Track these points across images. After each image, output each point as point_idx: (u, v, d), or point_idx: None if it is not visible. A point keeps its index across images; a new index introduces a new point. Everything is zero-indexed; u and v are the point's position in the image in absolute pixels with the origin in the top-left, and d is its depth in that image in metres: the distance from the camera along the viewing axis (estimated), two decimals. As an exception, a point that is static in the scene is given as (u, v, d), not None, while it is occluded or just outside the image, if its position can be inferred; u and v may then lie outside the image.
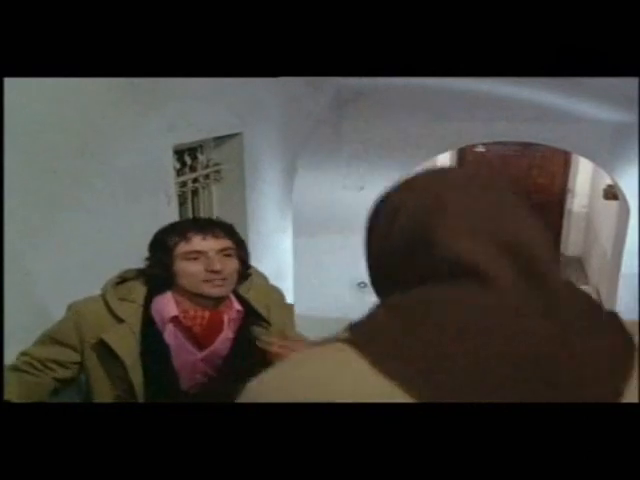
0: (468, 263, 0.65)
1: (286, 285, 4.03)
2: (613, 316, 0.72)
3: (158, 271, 1.51)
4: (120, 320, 1.49)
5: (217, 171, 3.11)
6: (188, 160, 2.81)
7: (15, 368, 1.49)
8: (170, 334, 1.52)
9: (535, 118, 3.92)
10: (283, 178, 3.96)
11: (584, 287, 7.15)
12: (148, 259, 1.56)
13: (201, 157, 2.96)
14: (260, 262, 3.45)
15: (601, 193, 6.10)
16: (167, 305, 1.52)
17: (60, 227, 1.75)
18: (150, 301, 1.54)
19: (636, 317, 2.68)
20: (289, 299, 3.95)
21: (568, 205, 9.31)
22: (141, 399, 1.49)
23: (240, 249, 1.61)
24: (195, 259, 1.49)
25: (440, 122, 4.08)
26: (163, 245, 1.50)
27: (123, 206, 2.10)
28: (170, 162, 2.43)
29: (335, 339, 0.69)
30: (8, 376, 1.47)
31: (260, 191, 3.42)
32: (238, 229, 3.22)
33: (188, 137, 2.57)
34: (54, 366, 1.51)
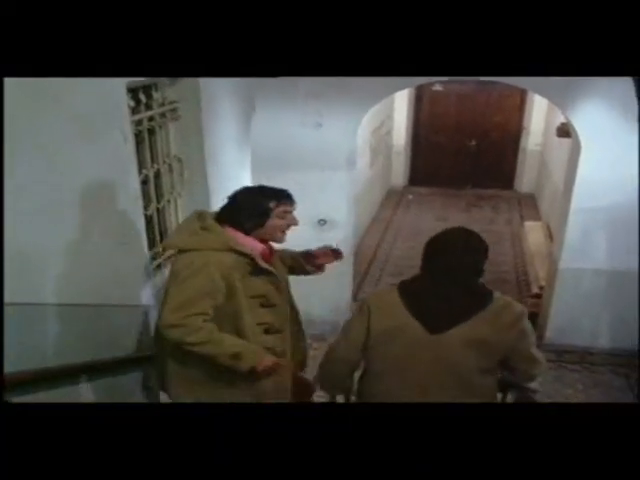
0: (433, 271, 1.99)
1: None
2: (488, 291, 1.95)
3: (255, 220, 2.11)
4: (245, 254, 2.08)
5: (173, 109, 3.05)
6: (143, 98, 2.75)
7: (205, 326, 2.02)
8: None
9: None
10: (240, 116, 3.91)
11: (536, 222, 7.36)
12: (238, 209, 2.11)
13: (156, 95, 2.90)
14: (221, 202, 3.45)
15: (554, 131, 6.22)
16: (254, 243, 2.15)
17: (16, 168, 1.72)
18: None
19: (581, 246, 2.88)
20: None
21: (523, 143, 9.46)
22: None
23: None
24: (283, 217, 2.14)
25: (398, 59, 4.05)
26: (263, 203, 2.10)
27: (79, 145, 2.06)
28: (124, 100, 2.38)
29: (394, 285, 2.03)
30: (214, 334, 2.03)
31: (217, 129, 3.39)
32: (196, 168, 3.21)
33: (142, 74, 2.51)
34: (210, 311, 2.04)
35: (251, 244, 2.12)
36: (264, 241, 2.19)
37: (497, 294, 1.94)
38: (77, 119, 2.03)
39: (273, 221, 2.12)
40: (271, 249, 2.26)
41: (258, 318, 2.17)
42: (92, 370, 2.21)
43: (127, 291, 2.43)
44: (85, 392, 2.23)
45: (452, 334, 1.87)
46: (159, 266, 3.05)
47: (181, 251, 2.09)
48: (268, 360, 2.09)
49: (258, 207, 2.09)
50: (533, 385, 2.04)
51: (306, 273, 2.46)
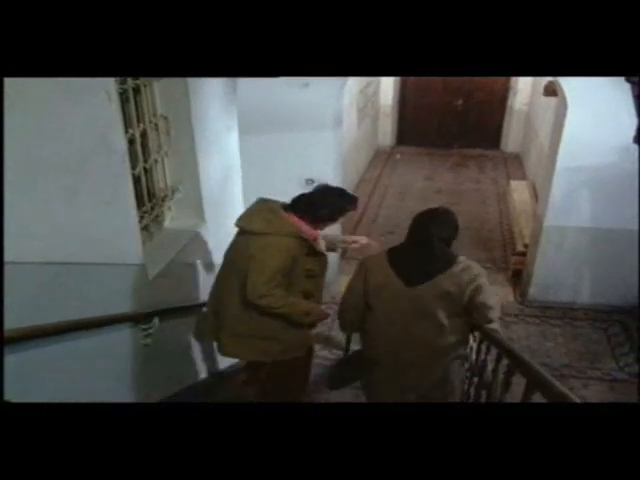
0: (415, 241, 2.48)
1: (236, 183, 4.06)
2: (452, 255, 2.42)
3: (333, 217, 2.73)
4: (304, 239, 2.66)
5: (158, 67, 3.01)
6: (127, 56, 2.71)
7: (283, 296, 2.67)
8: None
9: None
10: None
11: (521, 182, 7.40)
12: (321, 206, 2.67)
13: (140, 52, 2.86)
14: (208, 161, 3.44)
15: (542, 91, 6.21)
16: (311, 231, 2.70)
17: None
18: None
19: (565, 204, 2.90)
20: (238, 197, 3.96)
21: (510, 102, 9.44)
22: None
23: None
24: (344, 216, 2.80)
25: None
26: (344, 206, 2.73)
27: (64, 105, 2.04)
28: (108, 58, 2.35)
29: (384, 251, 2.56)
30: (289, 299, 2.68)
31: (203, 88, 3.35)
32: (183, 127, 3.18)
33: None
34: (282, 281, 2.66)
35: (309, 232, 2.70)
36: (317, 228, 2.77)
37: (461, 258, 2.44)
38: (60, 78, 2.01)
39: (338, 218, 2.78)
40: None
41: (303, 286, 2.78)
42: (81, 329, 2.24)
43: (115, 250, 2.44)
44: (89, 348, 2.26)
45: (423, 287, 2.40)
46: (147, 226, 3.06)
47: (254, 233, 2.60)
48: (325, 314, 2.93)
49: (340, 207, 2.72)
50: (493, 326, 2.44)
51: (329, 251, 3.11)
